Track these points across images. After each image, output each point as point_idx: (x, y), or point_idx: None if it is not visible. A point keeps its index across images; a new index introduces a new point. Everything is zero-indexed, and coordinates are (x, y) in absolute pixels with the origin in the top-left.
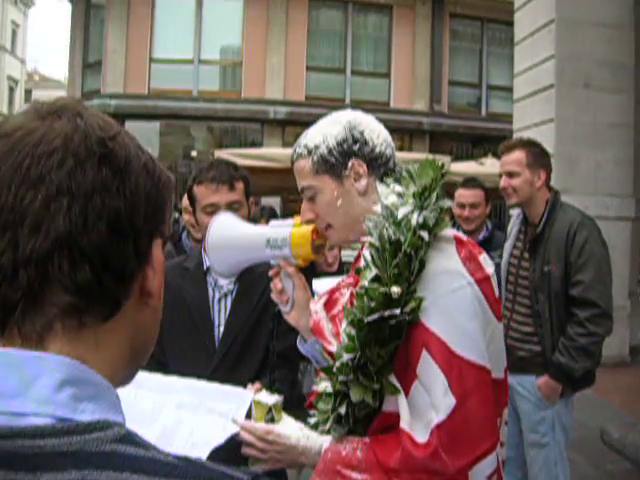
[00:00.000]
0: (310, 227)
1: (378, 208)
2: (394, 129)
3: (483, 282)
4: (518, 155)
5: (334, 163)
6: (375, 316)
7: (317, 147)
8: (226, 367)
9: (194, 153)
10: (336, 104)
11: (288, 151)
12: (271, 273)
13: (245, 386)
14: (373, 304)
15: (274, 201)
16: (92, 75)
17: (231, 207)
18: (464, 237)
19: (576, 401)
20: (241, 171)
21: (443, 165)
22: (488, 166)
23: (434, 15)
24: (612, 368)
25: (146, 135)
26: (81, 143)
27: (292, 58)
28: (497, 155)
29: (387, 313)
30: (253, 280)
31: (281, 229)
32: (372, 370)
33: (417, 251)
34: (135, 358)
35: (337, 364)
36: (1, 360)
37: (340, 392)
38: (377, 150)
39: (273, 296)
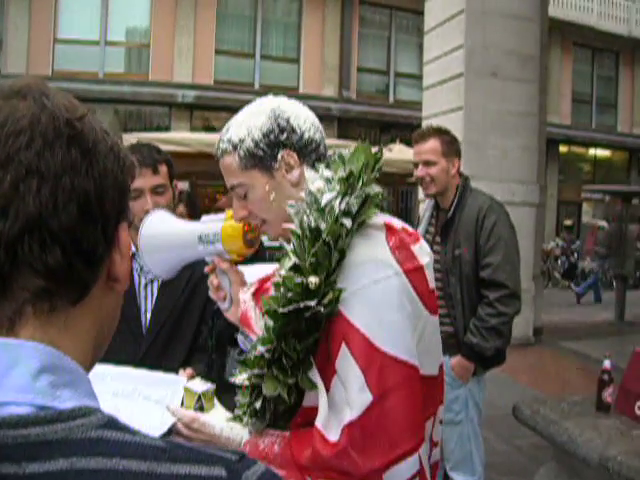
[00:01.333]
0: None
1: (303, 194)
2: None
3: (413, 273)
4: (433, 144)
5: (262, 156)
6: (289, 308)
7: (242, 141)
8: (155, 354)
9: None
10: (245, 89)
11: (196, 135)
12: (206, 270)
13: (176, 372)
14: (290, 295)
15: (183, 185)
16: None
17: (156, 191)
18: (398, 224)
19: (486, 381)
20: (164, 154)
21: (381, 150)
22: (396, 152)
23: (344, 1)
24: (518, 348)
25: None
26: (49, 124)
27: (201, 41)
28: (405, 141)
29: (302, 304)
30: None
31: (212, 224)
32: (287, 364)
33: (337, 239)
34: (99, 344)
35: (251, 356)
36: None
37: (256, 386)
38: (306, 136)
39: (210, 293)
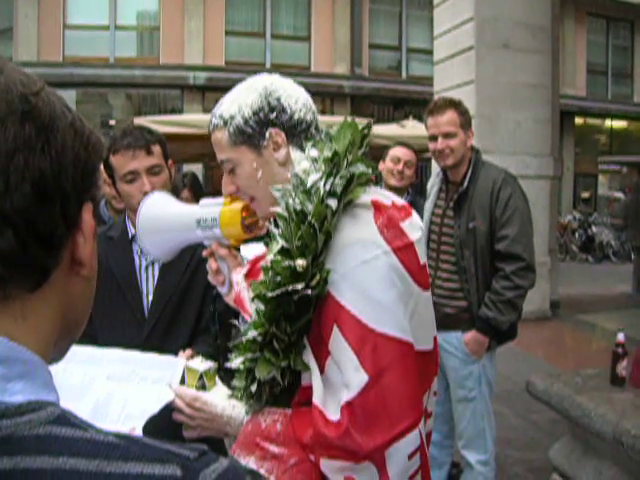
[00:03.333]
0: (240, 205)
1: (289, 175)
2: (315, 93)
3: (403, 250)
4: (451, 115)
5: (251, 134)
6: (277, 291)
7: (232, 117)
8: (158, 336)
9: (112, 122)
10: (256, 69)
11: (209, 117)
12: (205, 254)
13: (178, 354)
14: (279, 278)
15: (196, 168)
16: (3, 43)
17: (151, 171)
18: (386, 201)
19: (501, 355)
20: (156, 134)
21: (368, 126)
22: (409, 128)
23: None
24: (534, 322)
25: None
26: (2, 99)
27: (211, 22)
28: (418, 117)
29: (290, 287)
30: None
31: (211, 208)
32: (279, 347)
33: (323, 221)
34: (68, 332)
35: (244, 340)
36: None
37: (251, 370)
38: (296, 117)
39: (209, 277)
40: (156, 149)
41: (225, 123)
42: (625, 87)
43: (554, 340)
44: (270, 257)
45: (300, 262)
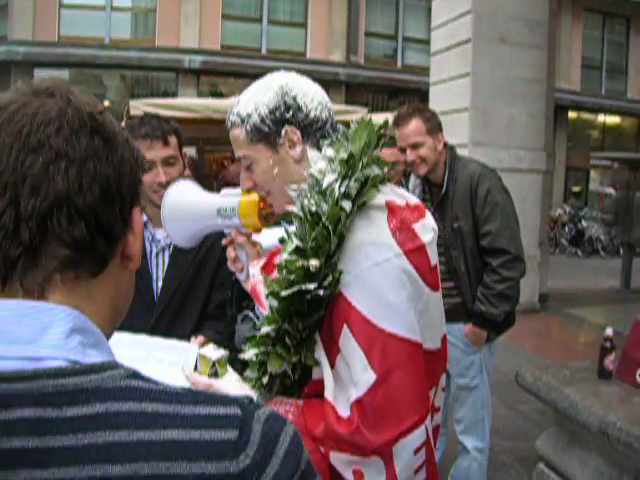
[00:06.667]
0: (257, 196)
1: (305, 172)
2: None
3: (415, 252)
4: (416, 124)
5: (267, 132)
6: (290, 290)
7: (249, 115)
8: (166, 321)
9: (106, 103)
10: (252, 54)
11: (203, 101)
12: (224, 242)
13: (187, 339)
14: (292, 277)
15: (189, 151)
16: None
17: (167, 162)
18: (400, 202)
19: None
20: (173, 124)
21: (385, 124)
22: None
23: None
24: (523, 314)
25: None
26: (74, 115)
27: (207, 6)
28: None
29: (303, 287)
30: None
31: (230, 198)
32: (291, 342)
33: (337, 223)
34: (115, 318)
35: (258, 335)
36: (15, 310)
37: (264, 362)
38: (312, 115)
39: (228, 264)
40: (172, 140)
41: (242, 121)
42: (619, 83)
43: (542, 333)
44: (284, 256)
45: (313, 262)
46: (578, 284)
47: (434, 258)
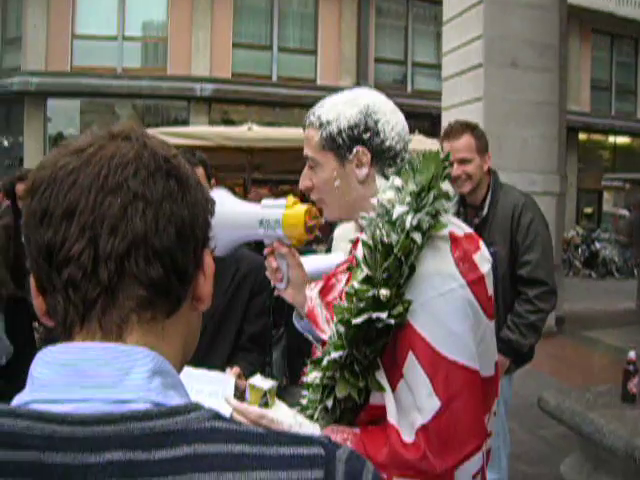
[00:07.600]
0: (303, 209)
1: (375, 202)
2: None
3: (476, 283)
4: (468, 140)
5: (340, 145)
6: (361, 319)
7: (329, 123)
8: (200, 351)
9: None
10: (263, 81)
11: (215, 129)
12: (265, 252)
13: (220, 369)
14: (362, 305)
15: None
16: (11, 52)
17: None
18: (460, 233)
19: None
20: (199, 155)
21: (447, 157)
22: (415, 142)
23: None
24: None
25: (68, 114)
26: (150, 158)
27: (218, 34)
28: (423, 132)
29: (374, 316)
30: (224, 265)
31: (274, 210)
32: (358, 368)
33: (408, 255)
34: (184, 358)
35: (325, 361)
36: (98, 353)
37: (328, 386)
38: (387, 143)
39: (267, 274)
40: (199, 171)
41: (320, 125)
42: (629, 103)
43: (560, 356)
44: (355, 284)
45: (384, 292)
46: (594, 306)
47: (490, 288)
